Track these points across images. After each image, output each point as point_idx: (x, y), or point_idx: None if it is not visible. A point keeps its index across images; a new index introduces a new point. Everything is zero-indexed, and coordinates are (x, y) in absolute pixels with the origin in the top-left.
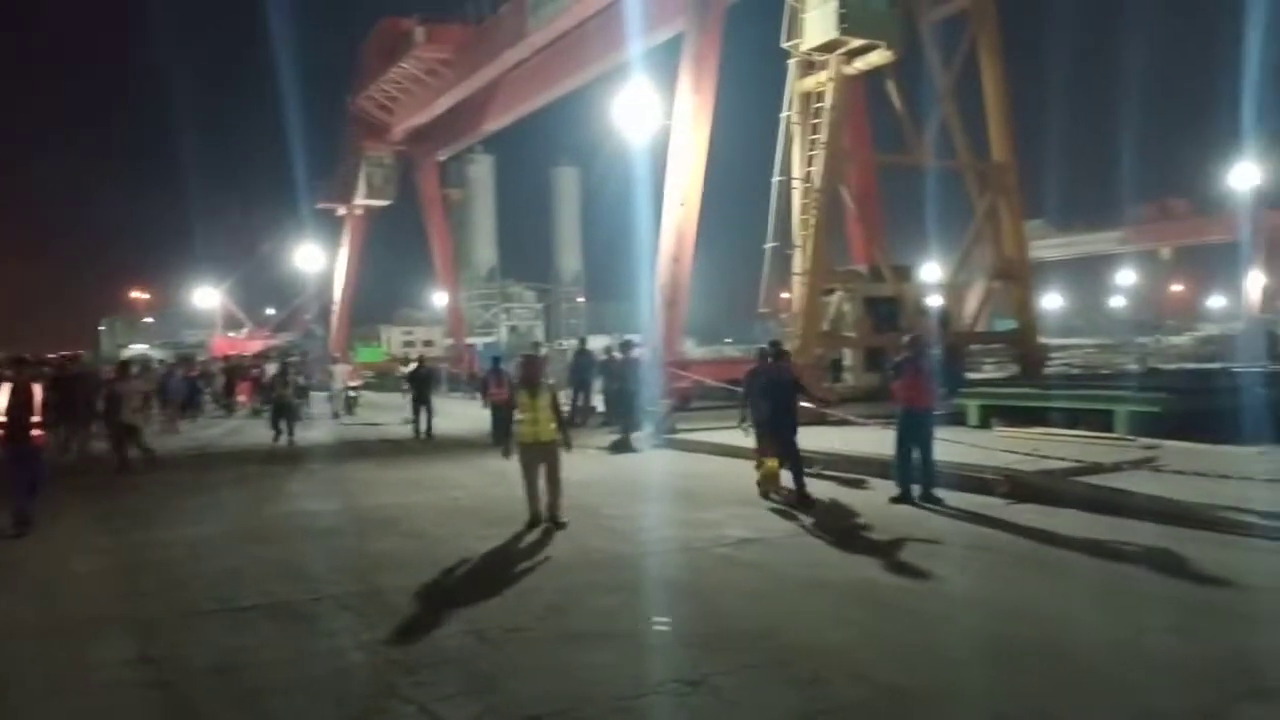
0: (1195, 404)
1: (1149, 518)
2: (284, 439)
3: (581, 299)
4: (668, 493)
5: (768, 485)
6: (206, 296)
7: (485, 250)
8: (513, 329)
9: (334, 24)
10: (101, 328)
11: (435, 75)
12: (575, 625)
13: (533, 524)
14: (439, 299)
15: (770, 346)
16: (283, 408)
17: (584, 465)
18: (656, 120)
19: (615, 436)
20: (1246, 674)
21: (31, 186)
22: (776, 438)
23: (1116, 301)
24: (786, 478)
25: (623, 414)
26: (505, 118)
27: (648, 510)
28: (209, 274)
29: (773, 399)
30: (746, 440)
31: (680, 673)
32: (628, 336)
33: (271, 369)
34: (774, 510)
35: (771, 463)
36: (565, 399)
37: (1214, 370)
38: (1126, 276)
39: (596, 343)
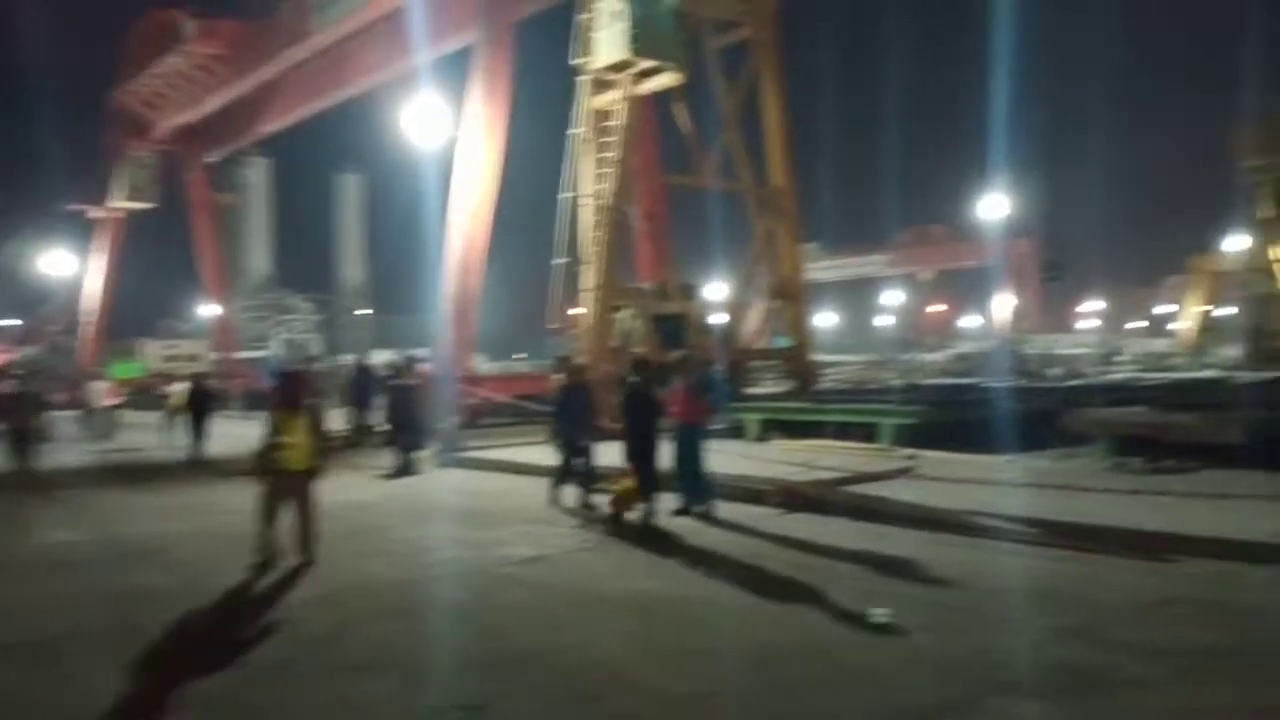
0: (950, 416)
1: (907, 524)
2: (27, 463)
3: (365, 311)
4: (452, 513)
5: (622, 506)
6: None
7: (259, 259)
8: (288, 342)
9: (97, 12)
10: None
11: (206, 72)
12: (350, 656)
13: (265, 565)
14: (207, 311)
15: (634, 368)
16: (22, 430)
17: (364, 488)
18: (446, 130)
19: (398, 457)
20: (991, 669)
21: None
22: (642, 459)
23: (883, 320)
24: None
25: (406, 433)
26: (284, 120)
27: (430, 532)
28: None
29: (636, 420)
30: (540, 458)
31: (461, 698)
32: (411, 352)
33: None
34: (560, 528)
35: (627, 483)
36: (346, 418)
37: (967, 384)
38: (892, 297)
39: (382, 357)
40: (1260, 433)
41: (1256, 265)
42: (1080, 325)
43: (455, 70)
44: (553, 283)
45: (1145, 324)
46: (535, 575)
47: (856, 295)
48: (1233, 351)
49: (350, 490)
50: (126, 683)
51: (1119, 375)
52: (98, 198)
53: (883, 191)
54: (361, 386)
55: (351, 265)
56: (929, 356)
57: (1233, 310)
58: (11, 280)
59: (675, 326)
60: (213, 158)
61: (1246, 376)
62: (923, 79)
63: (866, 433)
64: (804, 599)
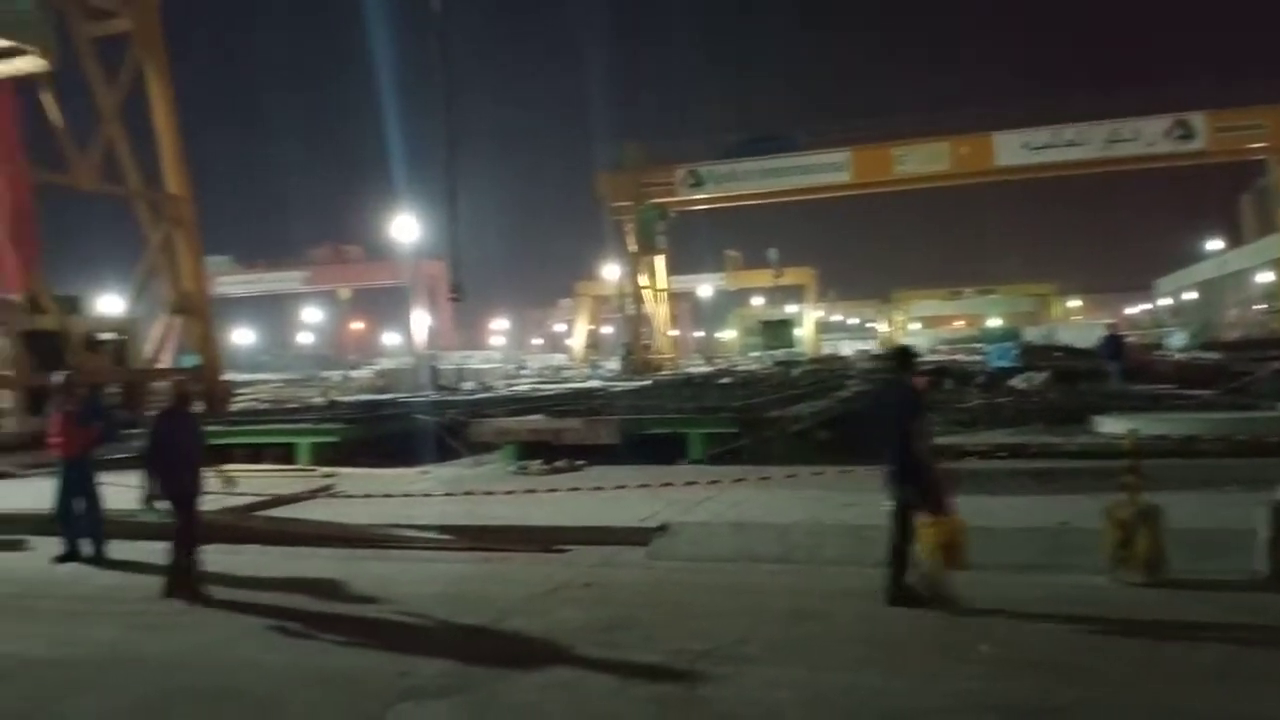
0: (370, 431)
1: (322, 543)
2: None
3: None
4: None
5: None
6: None
7: None
8: None
9: None
10: None
11: None
12: None
13: None
14: None
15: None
16: None
17: None
18: None
19: None
20: (400, 677)
21: None
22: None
23: (304, 338)
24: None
25: None
26: None
27: None
28: None
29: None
30: None
31: None
32: None
33: None
34: None
35: None
36: None
37: (387, 400)
38: (312, 314)
39: None
40: (627, 433)
41: (627, 291)
42: (491, 341)
43: None
44: None
45: (544, 341)
46: None
47: (275, 311)
48: (613, 364)
49: None
50: None
51: (521, 387)
52: None
53: (295, 206)
54: None
55: None
56: (353, 373)
57: (612, 329)
58: None
59: (53, 344)
60: None
61: (620, 386)
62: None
63: (285, 454)
64: (211, 638)
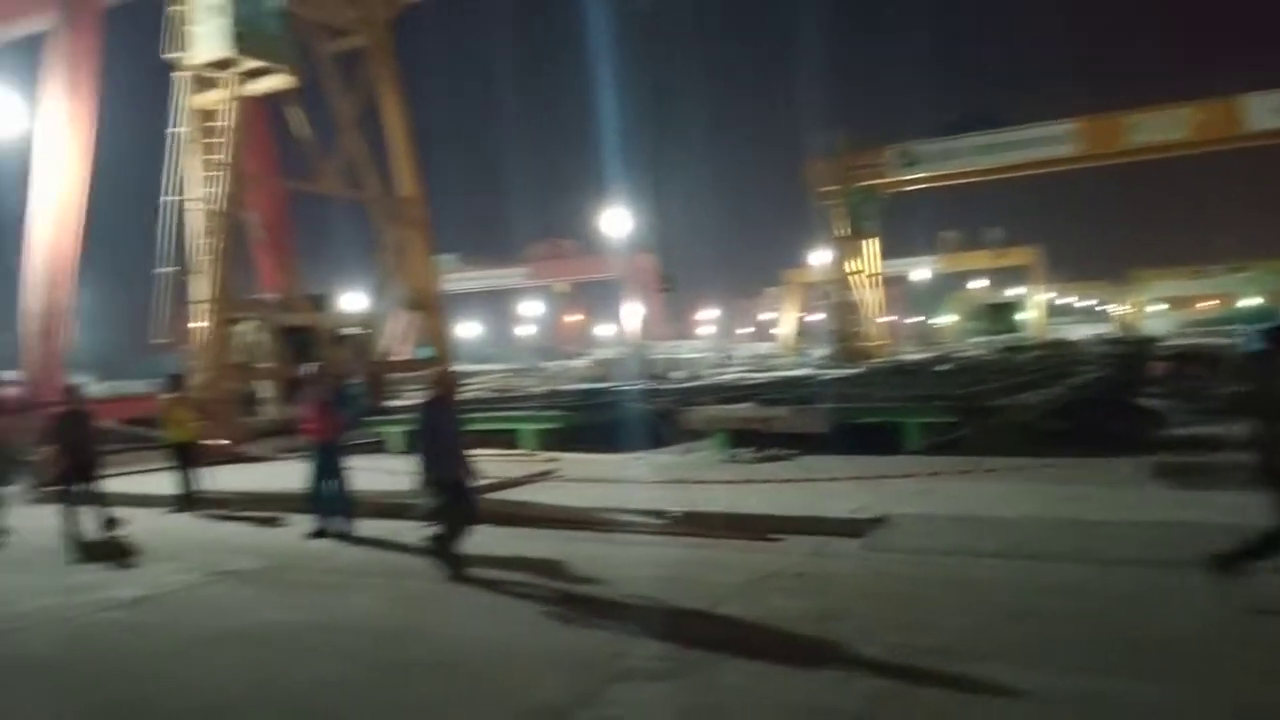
0: (587, 419)
1: (545, 525)
2: None
3: None
4: (39, 555)
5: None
6: None
7: None
8: None
9: None
10: None
11: None
12: None
13: None
14: None
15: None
16: None
17: None
18: (18, 125)
19: None
20: (616, 657)
21: None
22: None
23: (524, 330)
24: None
25: None
26: None
27: (12, 581)
28: None
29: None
30: (153, 487)
31: None
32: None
33: None
34: (174, 561)
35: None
36: None
37: (602, 389)
38: (531, 307)
39: None
40: (838, 422)
41: (836, 277)
42: (699, 331)
43: (26, 58)
44: (157, 295)
45: (752, 329)
46: (142, 617)
47: (497, 305)
48: (822, 352)
49: None
50: None
51: (730, 375)
52: None
53: (515, 205)
54: None
55: None
56: (571, 363)
57: (821, 316)
58: None
59: (305, 339)
60: None
61: (830, 374)
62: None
63: (509, 440)
64: (438, 614)
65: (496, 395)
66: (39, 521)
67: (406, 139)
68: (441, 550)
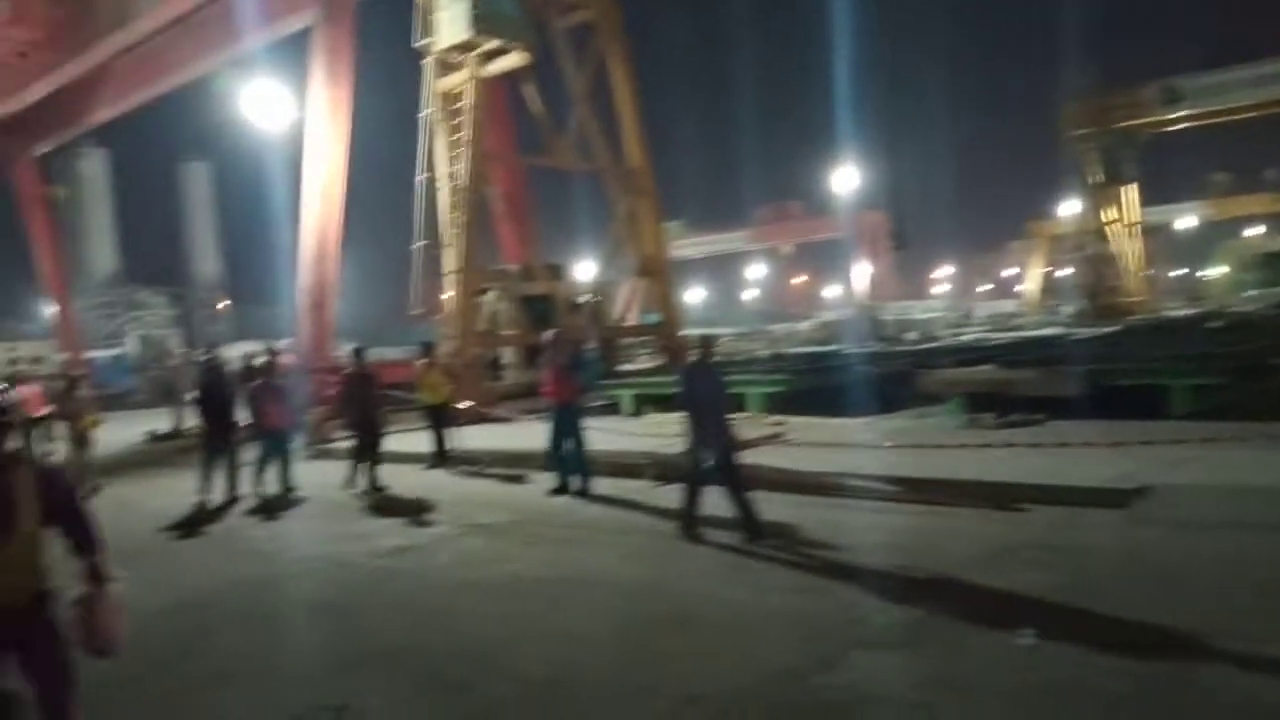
0: (814, 382)
1: (775, 488)
2: None
3: (222, 303)
4: (316, 507)
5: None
6: None
7: (105, 254)
8: (143, 339)
9: None
10: None
11: (25, 58)
12: (202, 666)
13: None
14: (49, 310)
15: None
16: None
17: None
18: (289, 114)
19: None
20: (854, 624)
21: None
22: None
23: (748, 294)
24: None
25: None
26: (116, 108)
27: (292, 528)
28: None
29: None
30: (411, 445)
31: (323, 699)
32: (273, 344)
33: None
34: (431, 514)
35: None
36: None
37: (829, 352)
38: (755, 271)
39: (242, 350)
40: (1092, 384)
41: (1089, 228)
42: (934, 290)
43: (297, 51)
44: (413, 267)
45: (992, 287)
46: (405, 565)
47: (722, 270)
48: (1072, 309)
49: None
50: None
51: (968, 336)
52: None
53: (740, 170)
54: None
55: (204, 256)
56: (796, 326)
57: (1070, 270)
58: None
59: (543, 307)
60: (42, 149)
61: (1082, 332)
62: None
63: (736, 402)
64: (676, 570)
65: (722, 359)
66: (319, 476)
67: (635, 110)
68: (688, 511)
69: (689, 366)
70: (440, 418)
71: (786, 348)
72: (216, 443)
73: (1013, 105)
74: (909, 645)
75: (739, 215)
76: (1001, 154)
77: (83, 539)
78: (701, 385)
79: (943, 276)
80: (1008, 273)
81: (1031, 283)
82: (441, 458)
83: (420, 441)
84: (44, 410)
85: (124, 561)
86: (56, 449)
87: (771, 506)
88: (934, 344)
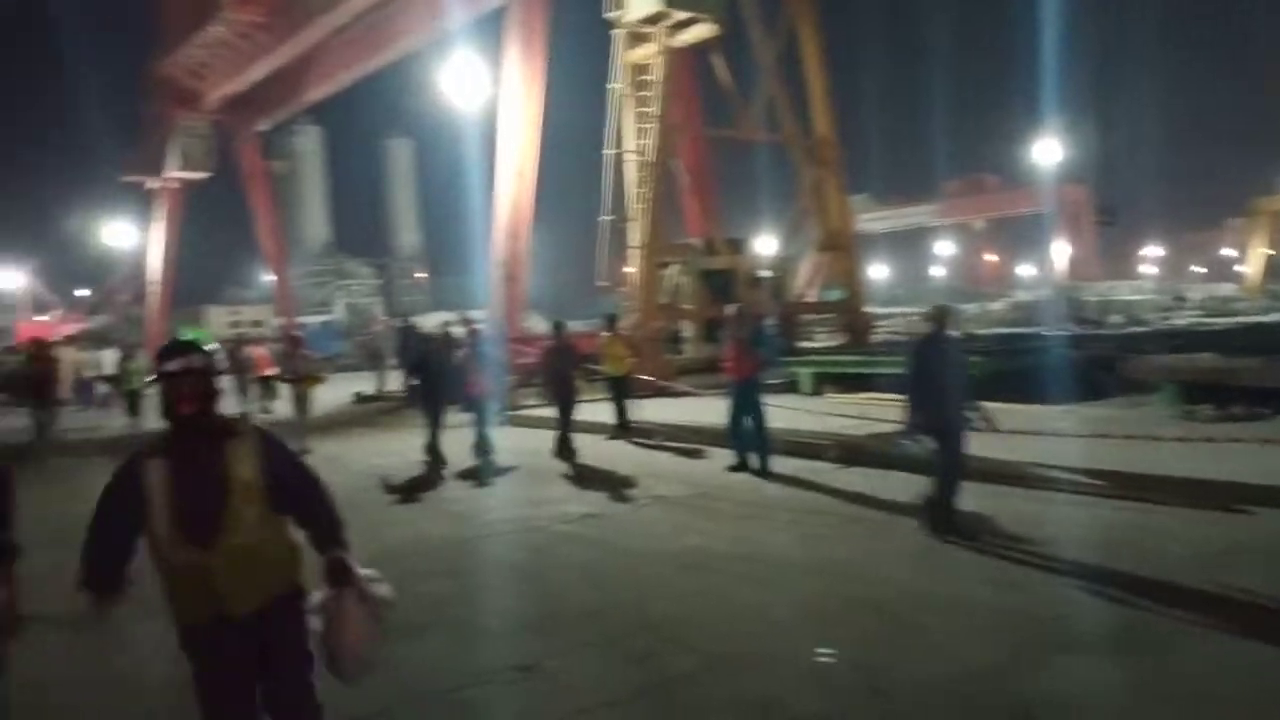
0: (1008, 365)
1: (969, 477)
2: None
3: (421, 274)
4: (508, 472)
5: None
6: (6, 278)
7: (317, 225)
8: (351, 306)
9: None
10: None
11: (248, 39)
12: (402, 616)
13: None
14: (267, 277)
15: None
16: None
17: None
18: (486, 90)
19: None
20: (1055, 625)
21: None
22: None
23: (936, 271)
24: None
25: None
26: (328, 87)
27: (485, 490)
28: (12, 253)
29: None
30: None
31: (512, 659)
32: (467, 314)
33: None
34: (614, 484)
35: None
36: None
37: (1025, 334)
38: (944, 247)
39: (438, 319)
40: None
41: None
42: (1141, 271)
43: (496, 29)
44: (600, 241)
45: (1206, 269)
46: (591, 532)
47: (908, 246)
48: None
49: (406, 450)
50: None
51: (1181, 321)
52: (153, 169)
53: (931, 141)
54: (409, 349)
55: (406, 228)
56: (987, 305)
57: None
58: (78, 252)
59: (724, 281)
60: (263, 126)
61: None
62: (969, 24)
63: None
64: (863, 555)
65: (909, 339)
66: (511, 442)
67: (824, 79)
68: (936, 504)
69: (922, 339)
70: (622, 389)
71: (977, 328)
72: (430, 408)
73: (1238, 69)
74: (1117, 650)
75: (928, 188)
76: (1223, 123)
77: (321, 525)
78: (935, 361)
79: (1150, 257)
80: (1225, 253)
81: (1253, 265)
82: (623, 429)
83: (602, 412)
84: (270, 370)
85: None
86: (275, 408)
87: (967, 496)
88: (1142, 328)
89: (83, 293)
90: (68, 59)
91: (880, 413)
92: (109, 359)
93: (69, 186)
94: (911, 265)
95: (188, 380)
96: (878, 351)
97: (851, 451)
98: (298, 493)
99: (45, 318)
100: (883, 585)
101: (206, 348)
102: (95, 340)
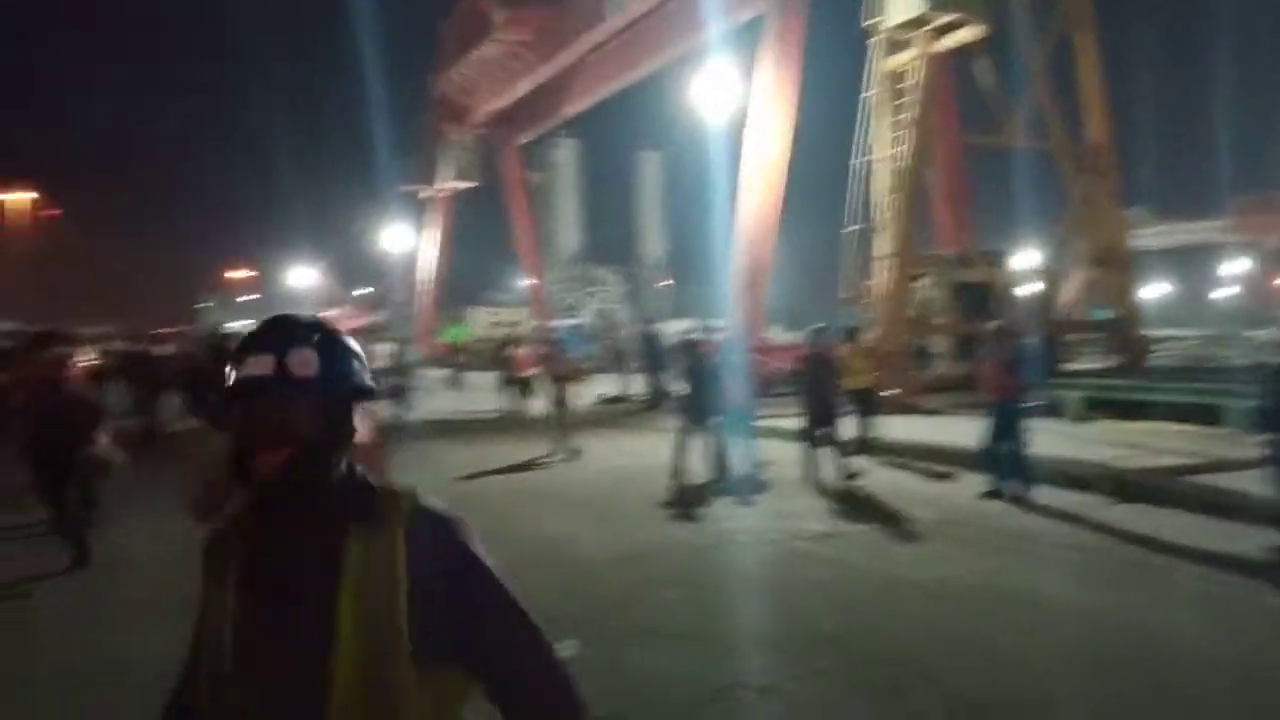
0: None
1: (1266, 522)
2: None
3: (666, 282)
4: (752, 483)
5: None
6: (303, 275)
7: (568, 233)
8: (600, 311)
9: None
10: (206, 304)
11: (515, 58)
12: (638, 621)
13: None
14: (522, 282)
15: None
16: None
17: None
18: (736, 102)
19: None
20: None
21: (132, 162)
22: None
23: (1222, 292)
24: None
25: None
26: (585, 101)
27: (732, 501)
28: (304, 253)
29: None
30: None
31: (750, 677)
32: (708, 321)
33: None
34: (855, 502)
35: None
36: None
37: None
38: (1233, 267)
39: (679, 326)
40: None
41: None
42: None
43: (746, 41)
44: (844, 251)
45: None
46: (830, 552)
47: (1186, 265)
48: None
49: (646, 453)
50: None
51: None
52: (425, 179)
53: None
54: (652, 354)
55: (652, 237)
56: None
57: None
58: (358, 254)
59: (979, 296)
60: (523, 140)
61: None
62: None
63: (1208, 415)
64: (1136, 602)
65: (1188, 364)
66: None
67: (1099, 83)
68: None
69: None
70: (864, 403)
71: (1271, 357)
72: (695, 418)
73: None
74: None
75: (1213, 203)
76: None
77: (533, 703)
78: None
79: None
80: None
81: None
82: (865, 444)
83: (844, 427)
84: (531, 370)
85: (574, 508)
86: (537, 406)
87: (1256, 545)
88: None
89: (361, 291)
90: (358, 77)
91: (1163, 443)
92: (384, 351)
93: (353, 194)
94: (1193, 285)
95: (277, 405)
96: (1157, 377)
97: (1127, 485)
98: (483, 642)
99: (336, 312)
100: (1165, 642)
101: (342, 330)
102: (374, 334)
